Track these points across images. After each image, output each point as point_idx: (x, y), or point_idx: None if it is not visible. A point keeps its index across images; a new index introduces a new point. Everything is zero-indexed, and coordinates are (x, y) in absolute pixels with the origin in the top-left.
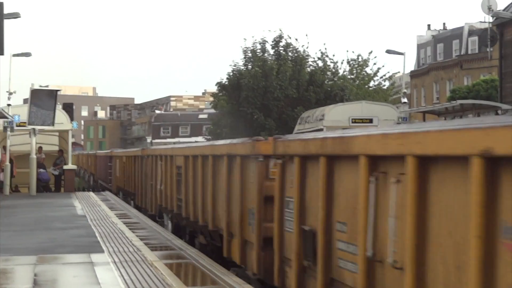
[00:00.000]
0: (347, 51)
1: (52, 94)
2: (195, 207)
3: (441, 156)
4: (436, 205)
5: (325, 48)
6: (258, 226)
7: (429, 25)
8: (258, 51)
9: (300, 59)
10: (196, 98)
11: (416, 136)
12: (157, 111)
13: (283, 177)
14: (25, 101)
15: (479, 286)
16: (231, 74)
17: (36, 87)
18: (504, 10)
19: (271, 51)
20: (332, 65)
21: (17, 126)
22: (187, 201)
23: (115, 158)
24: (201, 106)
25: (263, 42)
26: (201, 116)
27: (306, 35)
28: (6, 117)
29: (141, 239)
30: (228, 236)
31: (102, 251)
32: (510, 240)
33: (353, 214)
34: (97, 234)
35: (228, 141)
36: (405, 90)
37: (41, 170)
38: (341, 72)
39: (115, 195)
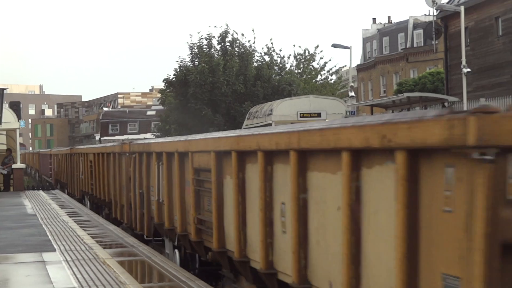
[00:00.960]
0: (294, 45)
1: None
2: (100, 188)
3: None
4: (173, 174)
5: (272, 43)
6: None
7: (374, 19)
8: (205, 47)
9: (246, 54)
10: (143, 94)
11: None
12: (105, 109)
13: (134, 166)
14: None
15: None
16: (178, 70)
17: None
18: (447, 3)
19: (218, 47)
20: (279, 60)
21: None
22: (96, 185)
23: (54, 156)
24: (149, 103)
25: (209, 38)
26: (149, 112)
27: (253, 30)
28: None
29: (93, 237)
30: (114, 204)
31: (54, 250)
32: None
33: None
34: (48, 233)
35: (108, 144)
36: (352, 84)
37: None
38: (288, 66)
39: (56, 188)
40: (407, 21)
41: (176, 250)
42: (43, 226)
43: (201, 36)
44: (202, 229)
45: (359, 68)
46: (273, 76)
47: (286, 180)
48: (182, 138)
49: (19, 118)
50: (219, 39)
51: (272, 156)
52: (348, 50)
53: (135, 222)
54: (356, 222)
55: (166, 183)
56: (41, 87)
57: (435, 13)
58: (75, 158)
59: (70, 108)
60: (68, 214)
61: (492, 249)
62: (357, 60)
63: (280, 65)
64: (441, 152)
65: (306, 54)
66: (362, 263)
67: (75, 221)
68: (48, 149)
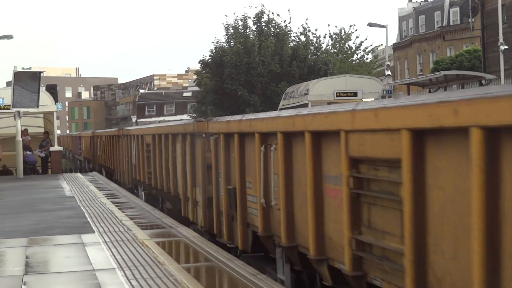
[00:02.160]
0: (329, 25)
1: (36, 76)
2: (161, 178)
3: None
4: (295, 164)
5: (307, 23)
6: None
7: None
8: (240, 27)
9: (282, 35)
10: (179, 76)
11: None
12: (141, 91)
13: (216, 152)
14: (8, 84)
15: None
16: (213, 51)
17: (19, 69)
18: None
19: (253, 27)
20: (314, 39)
21: (1, 109)
22: (155, 174)
23: (97, 137)
24: (185, 84)
25: (245, 18)
26: (185, 94)
27: (288, 10)
28: None
29: (131, 218)
30: (184, 199)
31: (93, 232)
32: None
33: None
34: (86, 215)
35: (178, 122)
36: (388, 63)
37: (28, 152)
38: (324, 46)
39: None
40: None
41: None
42: (82, 208)
43: (237, 16)
44: (151, 177)
45: (395, 47)
46: (309, 56)
47: None
48: (324, 109)
49: (56, 101)
50: (255, 19)
51: None
52: (384, 28)
53: (218, 227)
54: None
55: (283, 179)
56: (77, 70)
57: None
58: (125, 140)
59: (107, 91)
60: (106, 196)
61: None
62: (393, 39)
63: (316, 44)
64: None
65: (342, 34)
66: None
67: (113, 203)
68: (90, 131)
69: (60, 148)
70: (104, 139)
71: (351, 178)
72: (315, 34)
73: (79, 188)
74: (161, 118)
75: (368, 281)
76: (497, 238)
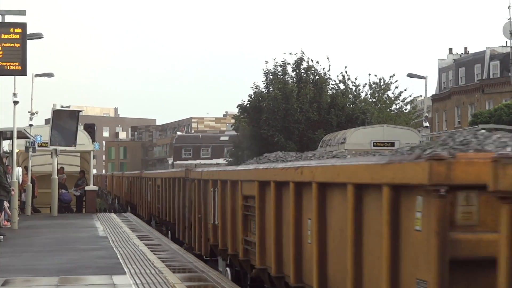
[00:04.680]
0: (369, 74)
1: (74, 115)
2: (165, 210)
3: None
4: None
5: (346, 71)
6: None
7: (450, 49)
8: (279, 73)
9: (321, 82)
10: (217, 120)
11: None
12: (179, 133)
13: (193, 191)
14: (46, 121)
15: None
16: (252, 96)
17: (58, 107)
18: None
19: (292, 74)
20: (354, 88)
21: (38, 146)
22: (162, 208)
23: (125, 178)
24: (222, 128)
25: (284, 65)
26: (222, 138)
27: (328, 57)
28: (28, 137)
29: (163, 261)
30: (178, 225)
31: (124, 273)
32: None
33: None
34: (118, 256)
35: (173, 170)
36: (426, 114)
37: (63, 190)
38: (363, 95)
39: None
40: (484, 52)
41: None
42: (114, 248)
43: (276, 62)
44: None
45: (434, 98)
46: (347, 104)
47: None
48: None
49: (93, 140)
50: (294, 66)
51: None
52: (424, 80)
53: (194, 244)
54: None
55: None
56: (116, 109)
57: None
58: (145, 181)
59: (144, 132)
60: (139, 237)
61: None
62: (432, 90)
63: (355, 93)
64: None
65: (381, 83)
66: None
67: (146, 245)
68: (120, 172)
69: (96, 188)
70: (131, 179)
71: None
72: (354, 82)
73: (113, 228)
74: (198, 161)
75: None
76: None
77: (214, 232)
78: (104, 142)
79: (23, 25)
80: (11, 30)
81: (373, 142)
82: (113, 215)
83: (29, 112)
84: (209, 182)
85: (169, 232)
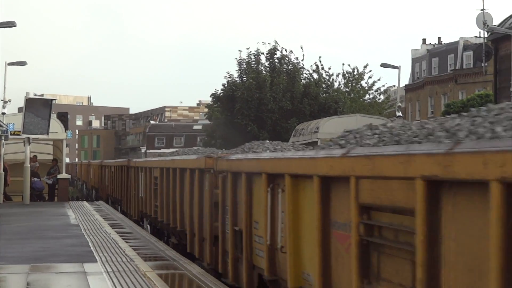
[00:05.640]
0: (343, 64)
1: (47, 103)
2: (167, 212)
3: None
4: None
5: (320, 61)
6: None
7: (424, 39)
8: (253, 63)
9: (294, 71)
10: (190, 109)
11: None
12: (152, 122)
13: (224, 190)
14: (19, 109)
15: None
16: (225, 85)
17: (31, 96)
18: (499, 25)
19: (266, 63)
20: (327, 78)
21: (11, 134)
22: (162, 207)
23: (105, 167)
24: (195, 117)
25: (258, 54)
26: (195, 127)
27: (301, 47)
28: (1, 126)
29: (134, 249)
30: (190, 235)
31: (95, 261)
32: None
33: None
34: (90, 244)
35: (186, 156)
36: (399, 104)
37: (35, 179)
38: (336, 85)
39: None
40: (457, 42)
41: None
42: (86, 236)
43: (250, 52)
44: (157, 210)
45: (408, 88)
46: (320, 94)
47: None
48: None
49: (66, 128)
50: (268, 55)
51: None
52: (397, 70)
53: (224, 266)
54: None
55: (291, 222)
56: (89, 98)
57: (486, 35)
58: (134, 172)
59: (117, 120)
60: (111, 225)
61: None
62: (405, 80)
63: (328, 83)
64: None
65: (355, 73)
66: None
67: (118, 233)
68: (99, 160)
69: (68, 176)
70: (113, 170)
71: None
72: (327, 72)
73: (85, 216)
74: (170, 150)
75: None
76: None
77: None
78: (77, 130)
79: None
80: None
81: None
82: (85, 203)
83: (1, 100)
84: (261, 178)
85: (168, 239)
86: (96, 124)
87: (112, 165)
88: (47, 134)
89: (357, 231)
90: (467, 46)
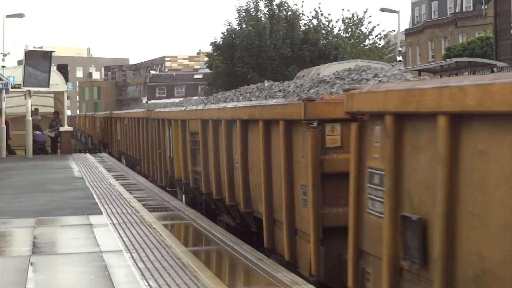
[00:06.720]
0: (343, 9)
1: (47, 56)
2: (132, 148)
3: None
4: None
5: (320, 7)
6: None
7: None
8: (252, 10)
9: (293, 18)
10: (190, 58)
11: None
12: (152, 72)
13: (154, 130)
14: (19, 62)
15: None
16: (225, 33)
17: (30, 48)
18: None
19: (265, 10)
20: (326, 24)
21: (12, 88)
22: (130, 145)
23: (97, 119)
24: (196, 66)
25: (257, 1)
26: (196, 76)
27: None
28: (1, 79)
29: (139, 201)
30: (143, 161)
31: (101, 213)
32: None
33: None
34: (95, 196)
35: (265, 101)
36: (400, 49)
37: (37, 132)
38: (336, 31)
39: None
40: None
41: None
42: (90, 189)
43: None
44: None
45: (407, 32)
46: (320, 40)
47: None
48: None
49: (66, 80)
50: (266, 2)
51: None
52: (397, 14)
53: (157, 176)
54: None
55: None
56: (89, 50)
57: None
58: (114, 121)
59: (118, 71)
60: (114, 177)
61: None
62: (405, 24)
63: (328, 29)
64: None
65: (355, 18)
66: None
67: (122, 184)
68: (107, 112)
69: (70, 128)
70: (127, 122)
71: None
72: (327, 18)
73: (88, 169)
74: (171, 100)
75: None
76: None
77: (171, 165)
78: (77, 82)
79: None
80: None
81: None
82: (88, 155)
83: (1, 53)
84: (165, 122)
85: (135, 168)
86: (96, 75)
87: (125, 116)
88: (48, 87)
89: None
90: None
